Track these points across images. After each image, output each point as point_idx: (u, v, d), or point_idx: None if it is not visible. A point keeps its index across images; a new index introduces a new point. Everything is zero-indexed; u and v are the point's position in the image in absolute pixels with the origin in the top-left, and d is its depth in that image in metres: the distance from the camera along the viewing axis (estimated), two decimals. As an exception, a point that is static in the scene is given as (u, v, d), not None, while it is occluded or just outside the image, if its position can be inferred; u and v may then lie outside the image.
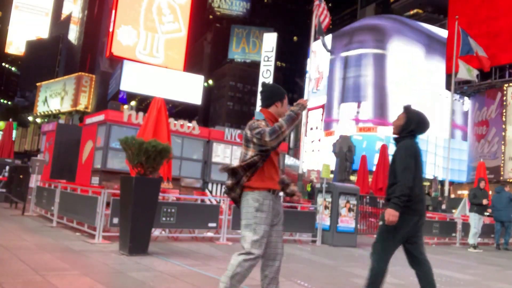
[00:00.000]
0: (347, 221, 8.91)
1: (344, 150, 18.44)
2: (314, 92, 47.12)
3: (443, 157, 37.44)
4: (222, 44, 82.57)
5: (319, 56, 45.35)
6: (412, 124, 3.63)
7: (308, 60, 32.19)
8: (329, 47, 40.29)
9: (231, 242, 7.70)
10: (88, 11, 68.02)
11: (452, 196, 26.03)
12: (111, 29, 46.31)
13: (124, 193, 5.79)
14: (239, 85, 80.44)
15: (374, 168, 16.20)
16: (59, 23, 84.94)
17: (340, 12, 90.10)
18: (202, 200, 9.07)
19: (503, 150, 32.48)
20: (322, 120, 45.90)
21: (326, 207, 8.96)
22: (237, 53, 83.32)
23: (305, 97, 40.19)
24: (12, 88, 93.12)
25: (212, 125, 59.48)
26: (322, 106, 46.21)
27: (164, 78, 42.72)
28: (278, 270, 3.20)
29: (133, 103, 42.42)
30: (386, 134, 37.68)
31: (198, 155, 14.88)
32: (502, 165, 32.25)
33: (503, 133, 32.76)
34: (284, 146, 20.34)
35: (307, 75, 36.56)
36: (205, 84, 51.55)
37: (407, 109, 3.73)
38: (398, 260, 7.71)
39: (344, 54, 46.38)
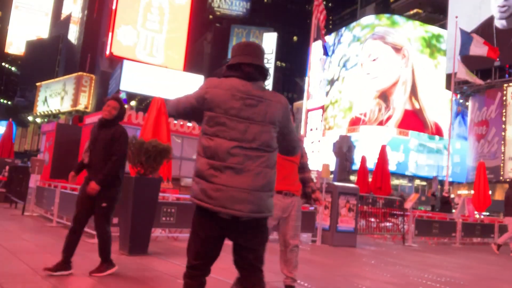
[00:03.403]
0: (347, 221, 8.90)
1: (344, 150, 18.44)
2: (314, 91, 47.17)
3: (443, 157, 37.44)
4: (222, 44, 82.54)
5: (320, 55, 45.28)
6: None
7: (308, 75, 32.10)
8: (327, 50, 40.25)
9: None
10: (88, 11, 67.98)
11: (452, 196, 26.02)
12: (111, 29, 46.33)
13: (124, 193, 5.79)
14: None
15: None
16: (59, 23, 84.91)
17: (340, 12, 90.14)
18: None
19: (503, 150, 32.47)
20: (321, 121, 45.90)
21: (326, 207, 8.96)
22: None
23: (305, 97, 40.15)
24: (12, 88, 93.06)
25: (212, 125, 59.30)
26: (322, 107, 46.22)
27: (164, 78, 42.73)
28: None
29: (133, 103, 42.42)
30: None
31: (198, 155, 14.87)
32: (502, 165, 32.24)
33: (503, 133, 32.76)
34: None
35: (306, 78, 36.55)
36: (205, 84, 51.55)
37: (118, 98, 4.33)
38: (398, 259, 7.72)
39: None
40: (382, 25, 41.58)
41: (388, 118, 39.40)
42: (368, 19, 43.42)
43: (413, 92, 40.32)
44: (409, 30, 41.80)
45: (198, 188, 2.23)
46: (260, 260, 2.38)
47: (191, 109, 2.33)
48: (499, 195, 30.35)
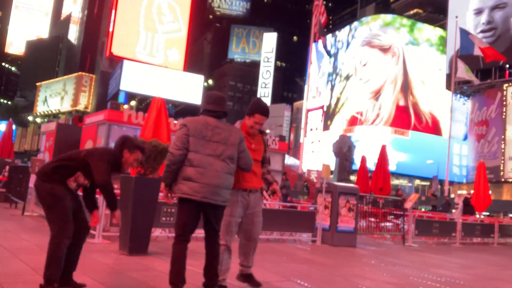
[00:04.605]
0: (347, 221, 8.90)
1: (344, 150, 18.42)
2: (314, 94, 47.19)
3: (444, 157, 37.46)
4: (222, 44, 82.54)
5: (322, 57, 45.48)
6: None
7: (308, 78, 32.03)
8: (329, 49, 40.48)
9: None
10: (88, 11, 67.96)
11: (452, 196, 26.09)
12: (111, 29, 46.27)
13: (124, 193, 5.79)
14: (239, 85, 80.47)
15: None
16: (59, 23, 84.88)
17: (340, 12, 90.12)
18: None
19: (503, 150, 32.47)
20: (321, 121, 45.90)
21: (326, 207, 8.96)
22: (237, 53, 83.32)
23: (305, 97, 40.16)
24: (12, 88, 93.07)
25: (212, 125, 59.36)
26: (322, 107, 46.21)
27: (164, 78, 42.70)
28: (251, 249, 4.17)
29: (133, 103, 42.41)
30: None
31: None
32: (502, 165, 32.25)
33: (503, 133, 32.76)
34: (284, 146, 20.34)
35: (307, 79, 36.63)
36: (205, 84, 51.50)
37: None
38: (398, 259, 7.71)
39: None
40: (405, 25, 42.40)
41: (383, 117, 39.77)
42: (388, 17, 44.06)
43: (407, 88, 40.70)
44: (429, 32, 42.58)
45: (187, 187, 3.45)
46: (219, 226, 3.67)
47: (185, 138, 3.51)
48: (506, 194, 30.40)
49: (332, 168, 17.59)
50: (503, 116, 33.01)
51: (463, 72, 22.81)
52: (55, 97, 60.49)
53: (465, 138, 39.04)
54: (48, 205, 3.53)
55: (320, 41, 20.98)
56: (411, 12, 56.98)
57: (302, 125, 37.55)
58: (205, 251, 3.70)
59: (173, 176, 3.53)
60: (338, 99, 45.00)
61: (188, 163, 3.48)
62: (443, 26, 42.32)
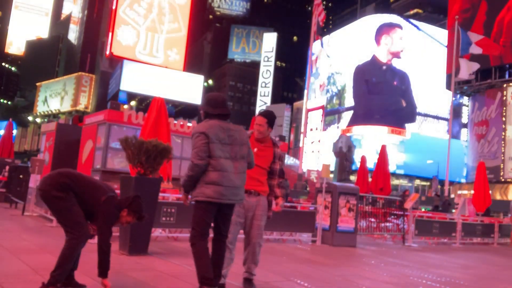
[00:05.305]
0: (347, 221, 8.90)
1: (344, 150, 18.43)
2: (313, 90, 47.22)
3: (443, 157, 37.48)
4: (222, 44, 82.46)
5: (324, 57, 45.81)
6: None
7: (307, 78, 31.96)
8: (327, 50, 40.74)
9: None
10: (88, 11, 67.97)
11: (452, 196, 26.08)
12: (111, 29, 46.27)
13: (124, 193, 5.78)
14: (239, 85, 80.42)
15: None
16: (59, 23, 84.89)
17: (340, 12, 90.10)
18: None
19: (503, 150, 32.46)
20: (322, 121, 45.86)
21: (326, 207, 8.96)
22: (237, 53, 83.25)
23: (305, 97, 40.16)
24: (12, 88, 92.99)
25: (212, 125, 59.31)
26: (322, 107, 46.14)
27: (164, 78, 42.69)
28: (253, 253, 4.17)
29: (133, 103, 42.39)
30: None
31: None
32: (502, 165, 32.23)
33: (503, 133, 32.75)
34: (283, 146, 20.34)
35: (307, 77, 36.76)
36: (205, 84, 51.47)
37: None
38: (398, 259, 7.71)
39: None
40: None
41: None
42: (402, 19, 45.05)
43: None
44: (442, 34, 43.26)
45: (211, 191, 3.54)
46: (228, 228, 3.83)
47: (206, 146, 3.57)
48: (506, 194, 30.37)
49: (332, 168, 17.60)
50: (503, 116, 33.00)
51: (464, 72, 22.82)
52: (55, 97, 60.49)
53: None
54: (60, 209, 3.58)
55: (318, 41, 21.07)
56: (411, 12, 57.01)
57: (302, 126, 37.57)
58: (212, 252, 3.73)
59: (194, 184, 3.64)
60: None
61: (211, 168, 3.59)
62: (443, 26, 42.35)
